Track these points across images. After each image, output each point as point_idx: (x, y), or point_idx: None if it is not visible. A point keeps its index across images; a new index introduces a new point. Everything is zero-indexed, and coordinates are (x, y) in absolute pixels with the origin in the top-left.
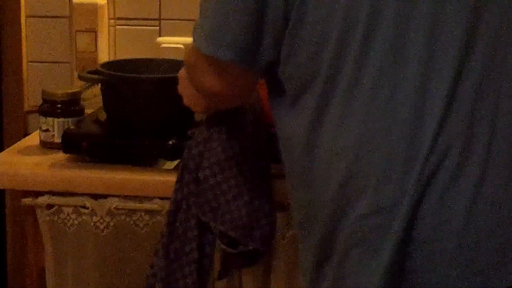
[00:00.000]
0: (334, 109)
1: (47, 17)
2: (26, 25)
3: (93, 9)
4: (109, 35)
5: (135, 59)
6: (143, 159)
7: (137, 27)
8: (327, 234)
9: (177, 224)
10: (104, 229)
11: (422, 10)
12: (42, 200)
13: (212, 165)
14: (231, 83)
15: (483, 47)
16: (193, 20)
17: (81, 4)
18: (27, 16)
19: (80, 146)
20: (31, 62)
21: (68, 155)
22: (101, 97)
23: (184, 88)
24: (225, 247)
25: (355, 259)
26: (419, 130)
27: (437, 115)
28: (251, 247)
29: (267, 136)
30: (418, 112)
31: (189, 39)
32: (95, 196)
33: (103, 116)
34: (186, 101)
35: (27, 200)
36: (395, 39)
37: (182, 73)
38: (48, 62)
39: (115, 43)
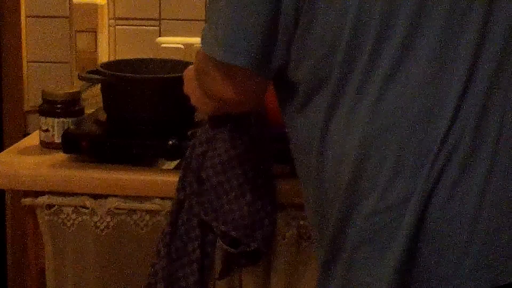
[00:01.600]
0: (344, 107)
1: (47, 17)
2: (26, 25)
3: (93, 9)
4: (109, 35)
5: (135, 59)
6: (143, 159)
7: (137, 27)
8: (337, 233)
9: (179, 223)
10: (104, 229)
11: (435, 9)
12: (42, 200)
13: (214, 165)
14: (244, 90)
15: (495, 43)
16: (193, 20)
17: (81, 4)
18: (27, 16)
19: (80, 146)
20: (31, 62)
21: (68, 155)
22: (101, 97)
23: (192, 90)
24: (227, 247)
25: (364, 257)
26: (429, 127)
27: (448, 113)
28: (252, 247)
29: (270, 136)
30: (429, 110)
31: (189, 39)
32: (95, 196)
33: (103, 116)
34: (194, 102)
35: (27, 200)
36: (407, 39)
37: (188, 74)
38: (48, 62)
39: (115, 43)
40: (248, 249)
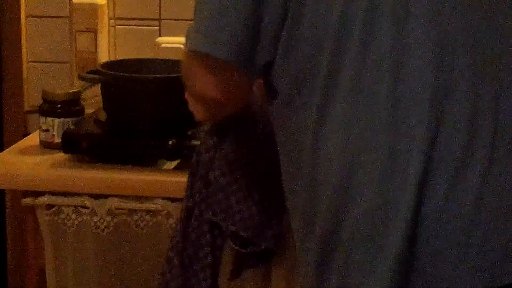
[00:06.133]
0: (337, 106)
1: (47, 17)
2: (26, 25)
3: (93, 9)
4: (109, 35)
5: (135, 59)
6: (143, 159)
7: (137, 27)
8: (329, 233)
9: (190, 230)
10: (104, 229)
11: (421, 1)
12: (42, 200)
13: (222, 166)
14: (226, 87)
15: (484, 35)
16: (193, 20)
17: (81, 4)
18: (27, 16)
19: (80, 146)
20: (31, 62)
21: (68, 155)
22: (101, 97)
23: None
24: (237, 247)
25: (360, 257)
26: (420, 124)
27: (437, 109)
28: (263, 247)
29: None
30: (418, 106)
31: None
32: (95, 196)
33: (103, 116)
34: (190, 108)
35: (27, 200)
36: (395, 30)
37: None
38: (48, 62)
39: (115, 43)
40: (258, 249)
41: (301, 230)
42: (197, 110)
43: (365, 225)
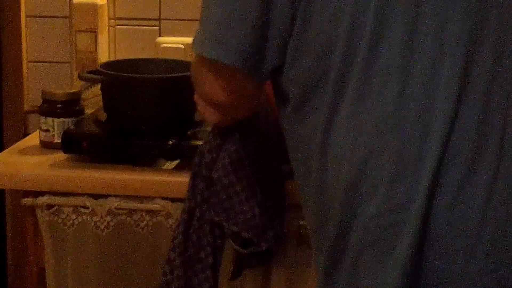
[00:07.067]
0: (345, 109)
1: (47, 17)
2: (26, 25)
3: (93, 9)
4: (109, 35)
5: (135, 59)
6: (143, 159)
7: (137, 27)
8: (338, 237)
9: (191, 231)
10: (104, 229)
11: (430, 6)
12: (42, 200)
13: (224, 166)
14: (235, 91)
15: (492, 41)
16: (193, 20)
17: (81, 4)
18: (27, 16)
19: (80, 146)
20: (31, 62)
21: (68, 155)
22: (101, 97)
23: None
24: (238, 247)
25: (369, 260)
26: (430, 127)
27: (448, 111)
28: (264, 247)
29: (278, 136)
30: (428, 109)
31: (189, 39)
32: (95, 196)
33: (103, 116)
34: (200, 110)
35: (27, 200)
36: (403, 36)
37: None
38: (48, 62)
39: (115, 43)
40: (259, 249)
41: (313, 232)
42: (207, 112)
43: (374, 229)
